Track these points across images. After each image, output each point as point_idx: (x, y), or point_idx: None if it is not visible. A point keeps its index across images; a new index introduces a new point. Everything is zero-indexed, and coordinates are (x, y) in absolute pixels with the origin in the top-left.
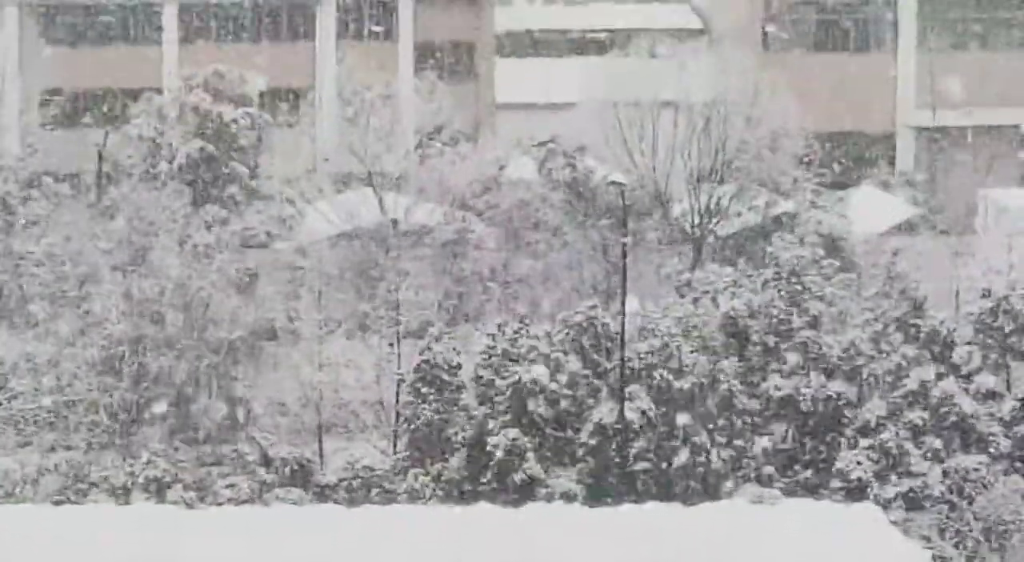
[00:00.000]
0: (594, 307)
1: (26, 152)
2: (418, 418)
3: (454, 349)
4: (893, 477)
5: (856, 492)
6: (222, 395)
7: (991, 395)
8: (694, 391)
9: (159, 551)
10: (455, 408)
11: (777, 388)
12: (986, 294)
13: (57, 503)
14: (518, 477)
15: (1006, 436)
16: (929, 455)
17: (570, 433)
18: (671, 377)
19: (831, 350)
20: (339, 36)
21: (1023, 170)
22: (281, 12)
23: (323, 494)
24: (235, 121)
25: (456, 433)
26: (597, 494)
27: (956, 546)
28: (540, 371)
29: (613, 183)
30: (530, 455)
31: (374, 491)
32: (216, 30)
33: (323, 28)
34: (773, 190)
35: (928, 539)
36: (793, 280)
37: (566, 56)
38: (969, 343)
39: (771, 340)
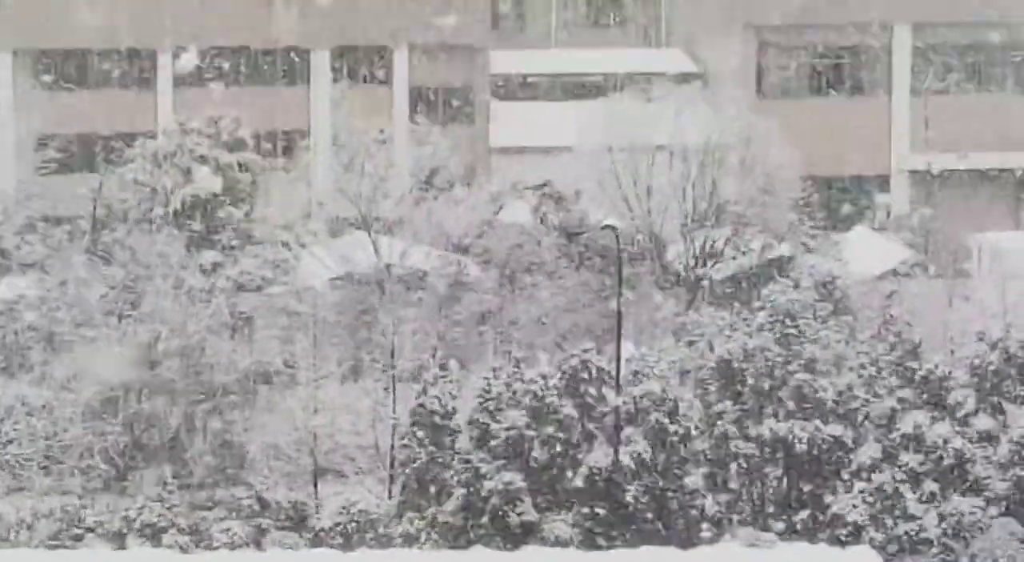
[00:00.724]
0: (589, 350)
1: (21, 196)
2: (413, 462)
3: (449, 393)
4: (889, 520)
5: (852, 535)
6: (217, 439)
7: (986, 438)
8: (689, 434)
9: None
10: (450, 452)
11: (772, 431)
12: (981, 337)
13: (52, 548)
14: (513, 521)
15: (1002, 479)
16: (925, 498)
17: (565, 477)
18: (666, 420)
19: (826, 393)
20: (334, 80)
21: (1017, 213)
22: (276, 56)
23: (318, 538)
24: (230, 166)
25: (451, 477)
26: (592, 538)
27: None
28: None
29: (608, 227)
30: (525, 499)
31: (369, 535)
32: (211, 74)
33: (318, 72)
34: (768, 234)
35: None
36: (788, 323)
37: (561, 100)
38: (964, 386)
39: (766, 383)
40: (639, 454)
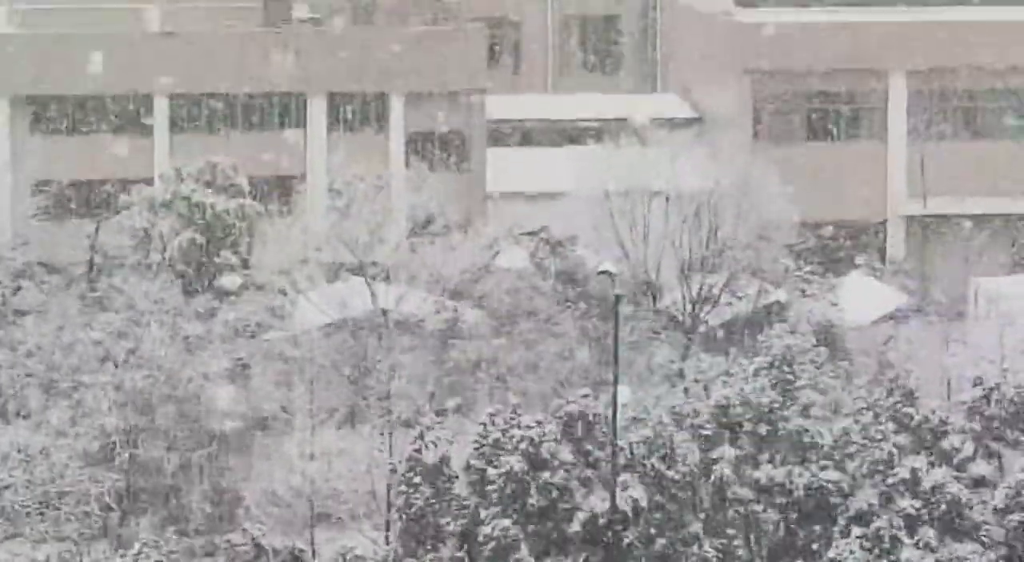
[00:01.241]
0: (586, 396)
1: (17, 243)
2: (410, 508)
3: (446, 439)
4: None
5: None
6: (214, 485)
7: (983, 483)
8: (686, 480)
9: None
10: (447, 498)
11: (769, 477)
12: (978, 382)
13: None
14: None
15: (999, 525)
16: (922, 544)
17: (562, 523)
18: (663, 466)
19: (823, 439)
20: (330, 126)
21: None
22: (273, 102)
23: None
24: (226, 211)
25: (448, 523)
26: None
27: None
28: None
29: (604, 272)
30: (522, 545)
31: None
32: (207, 120)
33: (314, 118)
34: (764, 279)
35: None
36: (785, 369)
37: (557, 146)
38: (961, 431)
39: (763, 429)
40: (636, 500)
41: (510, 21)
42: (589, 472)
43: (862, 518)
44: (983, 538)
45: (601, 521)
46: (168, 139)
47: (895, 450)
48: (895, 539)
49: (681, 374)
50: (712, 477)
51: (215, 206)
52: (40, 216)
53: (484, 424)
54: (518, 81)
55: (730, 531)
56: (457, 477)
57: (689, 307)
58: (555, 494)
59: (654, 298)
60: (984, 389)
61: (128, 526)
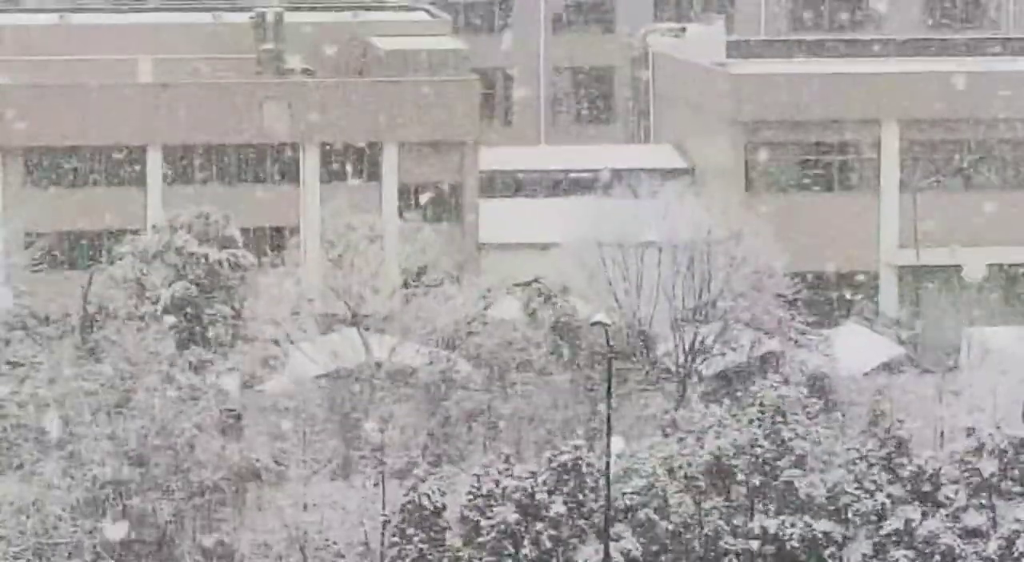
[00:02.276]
0: (579, 447)
1: (10, 294)
2: (403, 559)
3: (439, 490)
4: None
5: None
6: (207, 537)
7: (977, 534)
8: (679, 531)
9: None
10: (440, 549)
11: (763, 527)
12: (971, 433)
13: None
14: None
15: None
16: None
17: None
18: (656, 517)
19: (816, 489)
20: (323, 177)
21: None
22: (265, 153)
23: None
24: (219, 262)
25: None
26: None
27: None
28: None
29: (597, 323)
30: None
31: None
32: (200, 171)
33: (307, 169)
34: (758, 329)
35: None
36: (778, 419)
37: (550, 197)
38: (954, 482)
39: (756, 479)
40: (629, 551)
41: (503, 72)
42: (582, 523)
43: None
44: None
45: None
46: (161, 190)
47: (888, 501)
48: None
49: (674, 424)
50: (705, 528)
51: (208, 257)
52: (33, 267)
53: (477, 475)
54: (511, 132)
55: None
56: (450, 528)
57: (682, 357)
58: (548, 545)
59: (647, 348)
60: (977, 439)
61: None
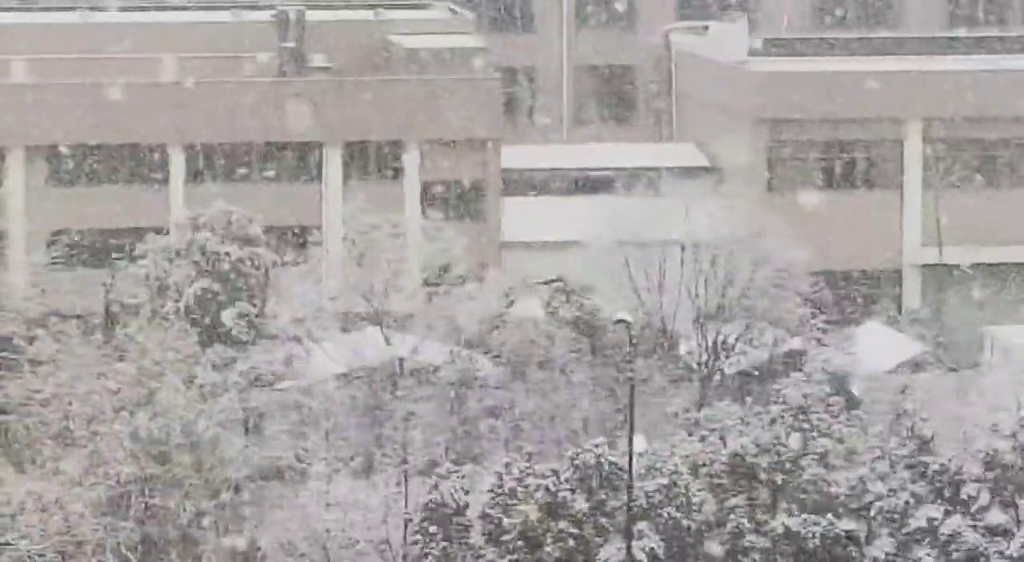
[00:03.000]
0: (601, 445)
1: (33, 291)
2: (425, 558)
3: (461, 488)
4: None
5: None
6: (229, 535)
7: (1000, 532)
8: (702, 529)
9: None
10: (462, 547)
11: (785, 526)
12: (994, 431)
13: None
14: None
15: None
16: None
17: None
18: (679, 515)
19: (839, 487)
20: (346, 175)
21: None
22: (288, 151)
23: None
24: (242, 261)
25: None
26: None
27: None
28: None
29: (619, 321)
30: None
31: None
32: (222, 170)
33: (330, 167)
34: (780, 328)
35: None
36: (801, 417)
37: (572, 195)
38: (977, 480)
39: (779, 477)
40: (652, 549)
41: (525, 71)
42: (604, 521)
43: None
44: None
45: None
46: (183, 188)
47: (911, 499)
48: None
49: (697, 423)
50: (728, 526)
51: (230, 255)
52: (55, 265)
53: (499, 473)
54: (533, 131)
55: None
56: (472, 526)
57: (705, 356)
58: (571, 543)
59: (670, 347)
60: (1000, 437)
61: None
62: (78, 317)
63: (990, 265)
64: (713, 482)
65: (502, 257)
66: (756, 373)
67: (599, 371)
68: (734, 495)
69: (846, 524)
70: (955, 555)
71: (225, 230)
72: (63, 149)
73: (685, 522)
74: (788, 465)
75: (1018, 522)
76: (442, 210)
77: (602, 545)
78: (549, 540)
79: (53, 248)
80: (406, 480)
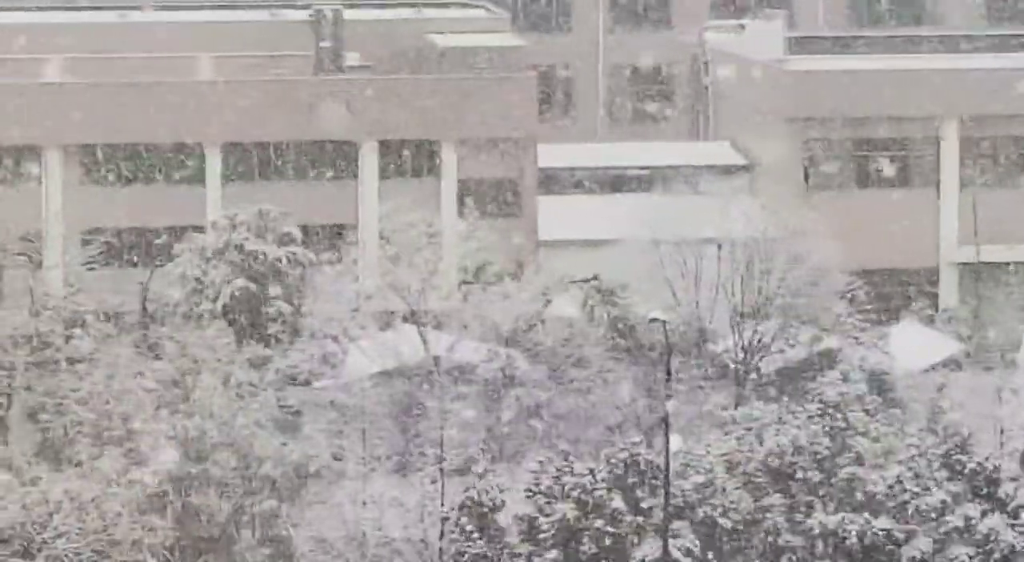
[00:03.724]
0: (638, 444)
1: (70, 291)
2: (462, 556)
3: (498, 487)
4: None
5: None
6: (266, 533)
7: None
8: (738, 528)
9: None
10: (499, 546)
11: (822, 524)
12: None
13: None
14: None
15: None
16: None
17: None
18: (716, 514)
19: (876, 486)
20: (382, 174)
21: None
22: (324, 150)
23: None
24: (278, 259)
25: None
26: None
27: None
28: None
29: (655, 320)
30: None
31: None
32: (259, 168)
33: (366, 166)
34: (816, 326)
35: None
36: (837, 416)
37: (608, 193)
38: (1014, 479)
39: (816, 476)
40: (688, 548)
41: (561, 70)
42: (641, 520)
43: None
44: None
45: None
46: (220, 187)
47: (948, 498)
48: None
49: (733, 421)
50: (764, 525)
51: (267, 254)
52: (93, 264)
53: (536, 472)
54: (569, 129)
55: None
56: (509, 525)
57: (741, 354)
58: (607, 542)
59: (706, 345)
60: None
61: None
62: (115, 316)
63: None
64: (749, 481)
65: (538, 256)
66: (792, 372)
67: (635, 370)
68: (770, 494)
69: (883, 523)
70: (992, 554)
71: (262, 229)
72: (100, 148)
73: (721, 521)
74: (825, 464)
75: None
76: (478, 209)
77: (638, 544)
78: (585, 539)
79: (90, 247)
80: (443, 478)
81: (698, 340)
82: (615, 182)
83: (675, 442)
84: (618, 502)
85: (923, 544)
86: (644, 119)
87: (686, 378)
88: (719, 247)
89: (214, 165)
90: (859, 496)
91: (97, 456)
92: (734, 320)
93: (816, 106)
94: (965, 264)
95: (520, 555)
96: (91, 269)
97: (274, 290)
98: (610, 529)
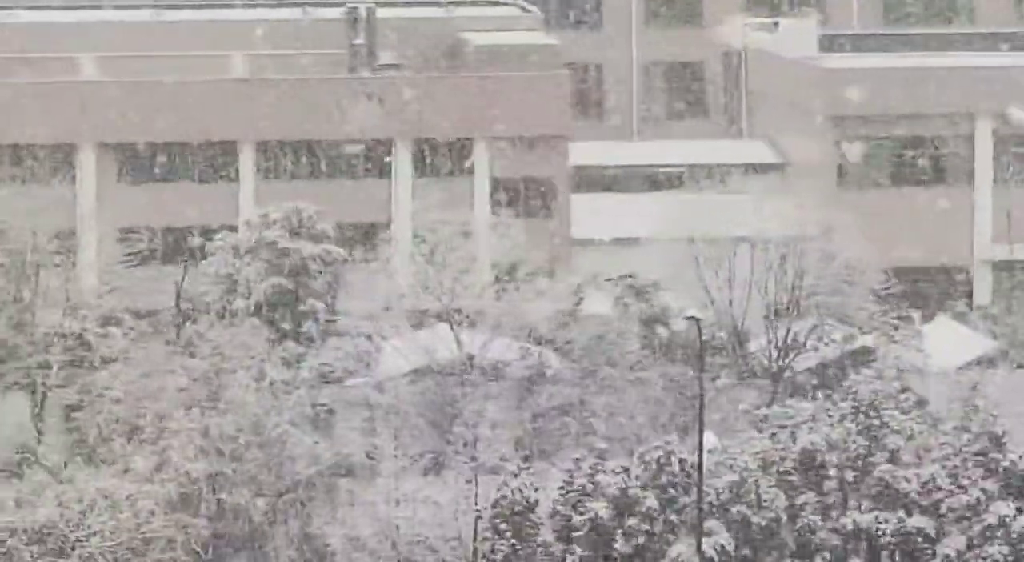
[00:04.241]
0: (671, 442)
1: (104, 289)
2: (495, 554)
3: (531, 485)
4: None
5: None
6: (299, 532)
7: None
8: (772, 526)
9: None
10: (532, 544)
11: (856, 523)
12: None
13: None
14: None
15: None
16: None
17: None
18: (749, 512)
19: (910, 484)
20: (415, 172)
21: None
22: (357, 148)
23: None
24: (312, 258)
25: None
26: None
27: None
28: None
29: (689, 318)
30: None
31: None
32: (292, 167)
33: (399, 164)
34: (850, 324)
35: None
36: (871, 414)
37: (642, 191)
38: None
39: (849, 474)
40: (722, 546)
41: (595, 67)
42: (675, 518)
43: None
44: None
45: None
46: (253, 185)
47: (983, 496)
48: None
49: (767, 419)
50: (798, 523)
51: (301, 252)
52: (126, 262)
53: (570, 470)
54: (602, 127)
55: None
56: (543, 523)
57: (775, 352)
58: (641, 540)
59: (740, 343)
60: None
61: None
62: (149, 314)
63: None
64: (783, 479)
65: (572, 254)
66: (826, 370)
67: (669, 368)
68: (804, 492)
69: (917, 521)
70: None
71: (295, 227)
72: (134, 146)
73: (755, 519)
74: (859, 462)
75: None
76: (512, 207)
77: (672, 542)
78: (619, 537)
79: (124, 245)
80: (476, 477)
81: (732, 338)
82: (649, 180)
83: (709, 440)
84: (652, 500)
85: (957, 542)
86: (677, 117)
87: (720, 376)
88: (753, 245)
89: (247, 163)
90: (893, 494)
91: (131, 454)
92: (768, 318)
93: (850, 104)
94: (999, 262)
95: (553, 554)
96: (126, 267)
97: (307, 288)
98: (644, 527)
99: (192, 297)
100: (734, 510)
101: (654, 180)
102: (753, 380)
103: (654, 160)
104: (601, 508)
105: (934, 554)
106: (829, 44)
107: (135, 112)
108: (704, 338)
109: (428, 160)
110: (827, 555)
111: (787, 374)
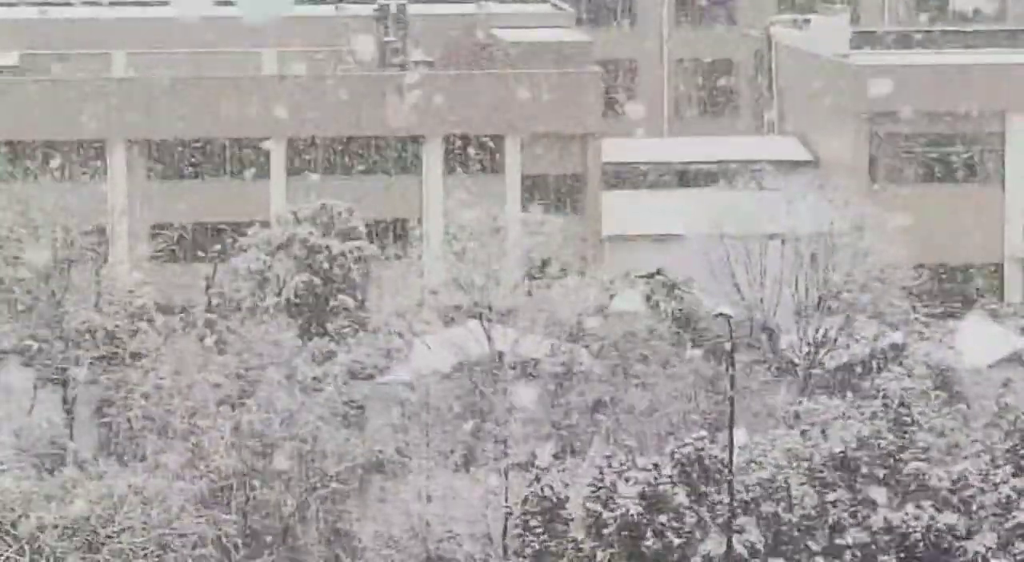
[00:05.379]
0: (702, 438)
1: (135, 285)
2: (526, 550)
3: (562, 481)
4: None
5: None
6: (330, 528)
7: None
8: (803, 523)
9: None
10: (563, 540)
11: (886, 520)
12: None
13: None
14: None
15: None
16: None
17: None
18: (780, 509)
19: (941, 482)
20: (446, 169)
21: None
22: (388, 145)
23: None
24: (343, 254)
25: None
26: None
27: None
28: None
29: (720, 315)
30: None
31: None
32: (323, 163)
33: (431, 161)
34: (881, 321)
35: None
36: (902, 411)
37: (673, 188)
38: None
39: (880, 472)
40: (753, 543)
41: (626, 65)
42: (705, 515)
43: None
44: None
45: None
46: (284, 182)
47: (1013, 493)
48: None
49: (798, 416)
50: (829, 520)
51: (331, 249)
52: (158, 259)
53: (600, 467)
54: (634, 124)
55: None
56: (573, 520)
57: (806, 349)
58: (671, 537)
59: (770, 340)
60: None
61: None
62: (180, 311)
63: None
64: (814, 476)
65: (603, 251)
66: (857, 367)
67: (700, 364)
68: (835, 489)
69: (948, 518)
70: None
71: (326, 224)
72: (164, 143)
73: (786, 516)
74: (889, 459)
75: None
76: (543, 204)
77: (703, 539)
78: (649, 534)
79: (155, 242)
80: (507, 473)
81: (763, 335)
82: (680, 177)
83: (740, 437)
84: (682, 497)
85: (988, 539)
86: (709, 114)
87: (751, 373)
88: (784, 242)
89: (278, 160)
90: (924, 491)
91: (162, 450)
92: (799, 315)
93: (881, 101)
94: None
95: (584, 550)
96: (157, 264)
97: (338, 285)
98: (674, 524)
99: (223, 293)
100: (765, 507)
101: (686, 177)
102: (784, 376)
103: (686, 157)
104: (631, 505)
105: (965, 551)
106: (860, 41)
107: (166, 109)
108: (735, 335)
109: (459, 157)
110: (857, 552)
111: (818, 371)
